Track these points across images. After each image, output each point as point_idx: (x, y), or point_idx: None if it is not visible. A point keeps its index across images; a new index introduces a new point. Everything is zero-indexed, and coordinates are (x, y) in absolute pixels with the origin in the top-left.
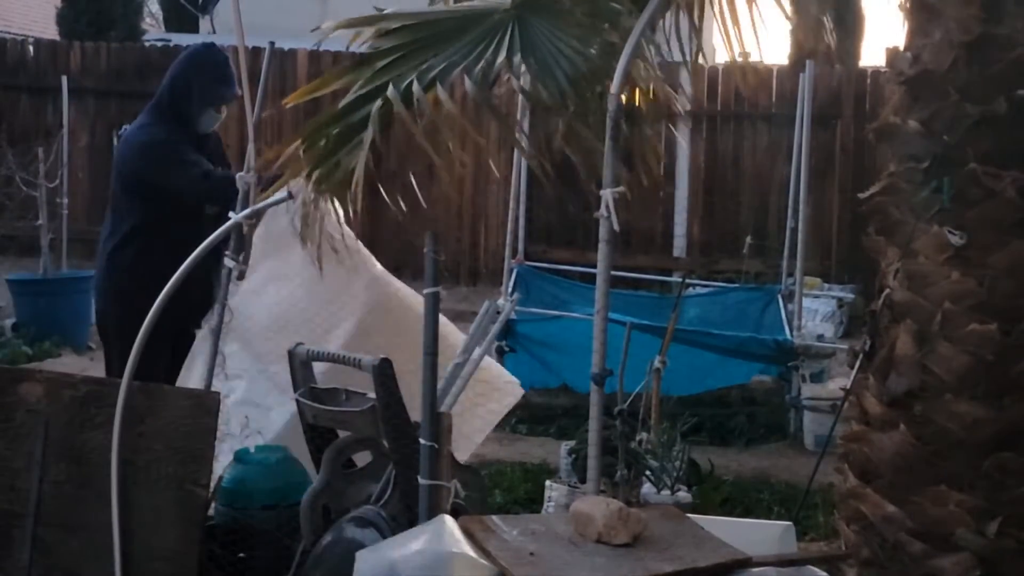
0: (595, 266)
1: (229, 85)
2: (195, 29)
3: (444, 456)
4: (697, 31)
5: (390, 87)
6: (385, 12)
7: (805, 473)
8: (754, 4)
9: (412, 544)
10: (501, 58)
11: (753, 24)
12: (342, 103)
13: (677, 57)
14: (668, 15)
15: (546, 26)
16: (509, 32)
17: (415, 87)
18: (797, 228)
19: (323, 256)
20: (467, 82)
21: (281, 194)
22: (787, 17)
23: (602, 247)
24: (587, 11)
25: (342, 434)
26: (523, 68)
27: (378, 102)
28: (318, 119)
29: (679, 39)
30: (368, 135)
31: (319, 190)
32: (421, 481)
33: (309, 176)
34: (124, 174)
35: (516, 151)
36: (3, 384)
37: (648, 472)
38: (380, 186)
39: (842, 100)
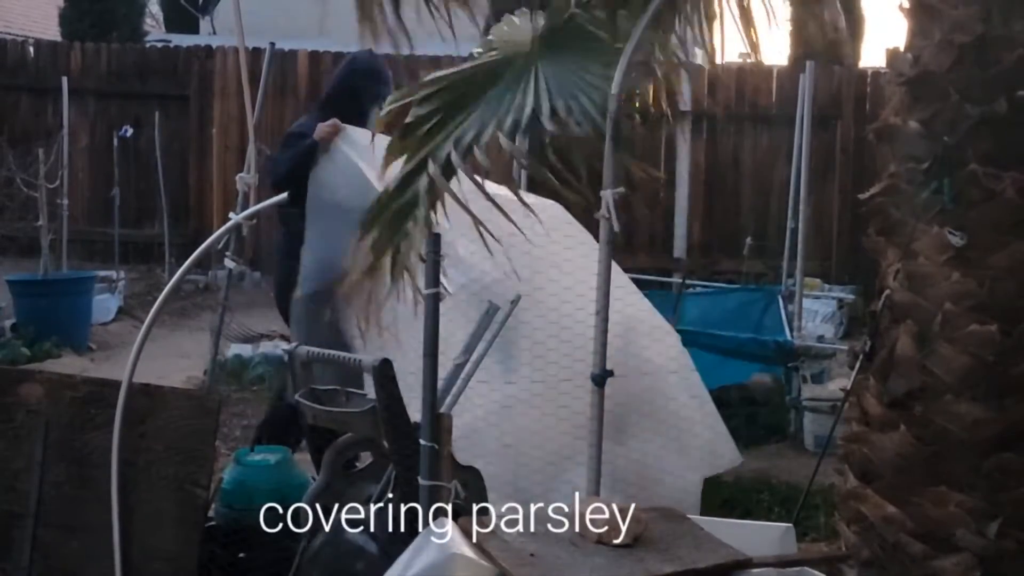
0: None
1: (387, 84)
2: (195, 30)
3: (444, 456)
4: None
5: (430, 163)
6: (424, 80)
7: (805, 474)
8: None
9: (412, 545)
10: (528, 105)
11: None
12: (393, 182)
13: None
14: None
15: (568, 59)
16: (534, 77)
17: (453, 157)
18: (797, 229)
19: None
20: (501, 138)
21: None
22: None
23: (602, 247)
24: (607, 34)
25: (342, 435)
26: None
27: (424, 180)
28: (375, 207)
29: (709, 39)
30: (421, 213)
31: (393, 271)
32: (421, 481)
33: (377, 258)
34: None
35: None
36: (4, 385)
37: None
38: None
39: (842, 101)
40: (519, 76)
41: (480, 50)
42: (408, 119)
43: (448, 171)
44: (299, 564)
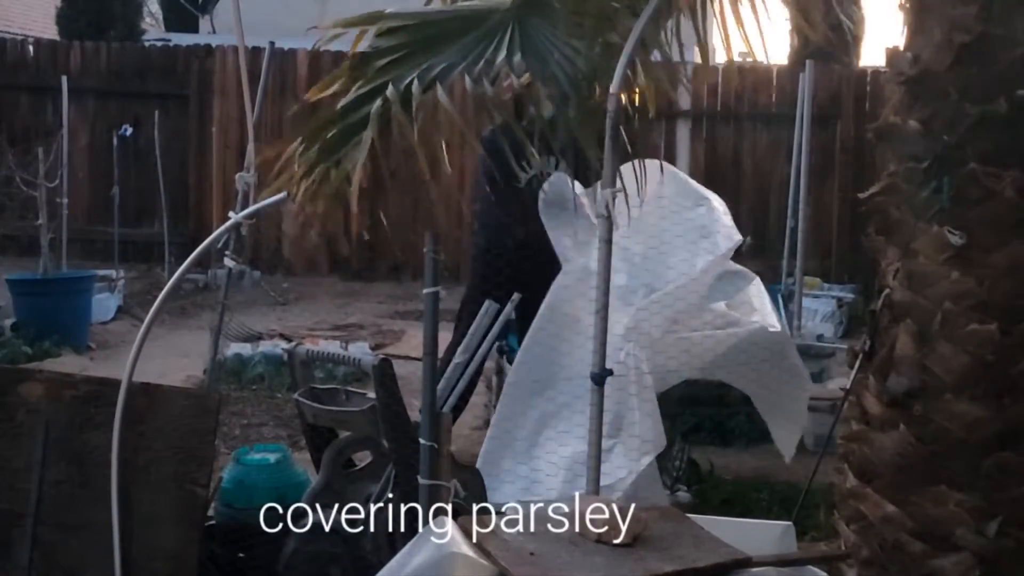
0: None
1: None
2: (195, 29)
3: (444, 456)
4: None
5: (390, 87)
6: (386, 12)
7: (805, 473)
8: (754, 3)
9: (412, 544)
10: (501, 57)
11: (754, 22)
12: (341, 103)
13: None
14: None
15: (546, 27)
16: (509, 33)
17: (415, 87)
18: (797, 228)
19: None
20: (467, 81)
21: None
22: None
23: (602, 247)
24: (586, 11)
25: (342, 434)
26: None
27: (377, 102)
28: (316, 121)
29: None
30: (367, 135)
31: (318, 192)
32: (421, 481)
33: (307, 176)
34: None
35: None
36: (4, 384)
37: None
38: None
39: (842, 100)
40: (492, 30)
41: None
42: (367, 49)
43: (407, 101)
44: (293, 563)
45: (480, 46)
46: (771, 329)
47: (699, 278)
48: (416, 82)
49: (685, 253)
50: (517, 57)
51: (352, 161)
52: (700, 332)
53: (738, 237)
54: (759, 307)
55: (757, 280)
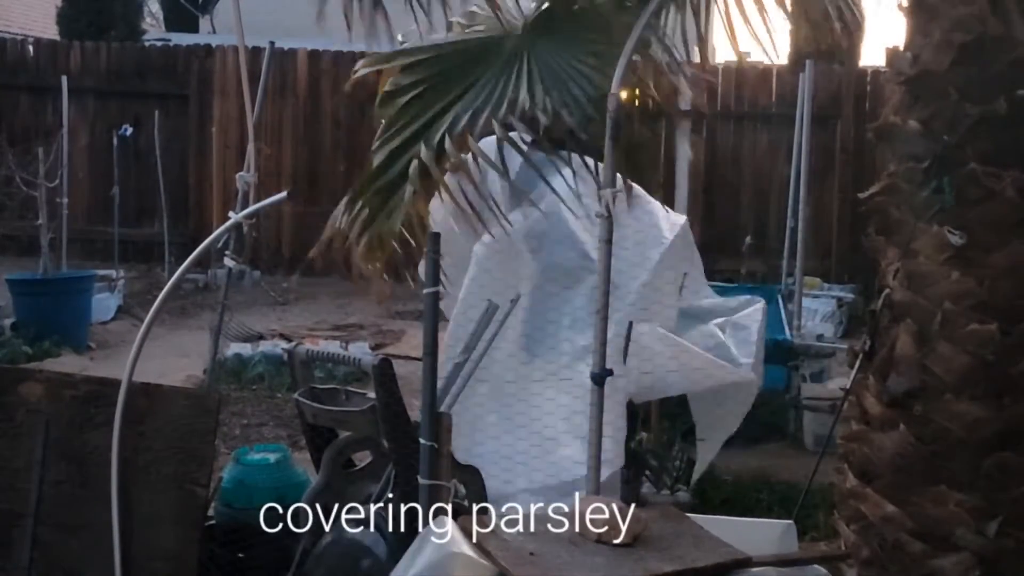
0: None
1: None
2: (195, 29)
3: (444, 456)
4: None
5: (423, 148)
6: (403, 47)
7: (805, 473)
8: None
9: (412, 544)
10: (523, 94)
11: (749, 22)
12: (375, 161)
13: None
14: (670, 14)
15: (559, 50)
16: (526, 62)
17: (447, 144)
18: (797, 228)
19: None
20: (496, 127)
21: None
22: (787, 13)
23: (601, 247)
24: (599, 28)
25: (342, 434)
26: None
27: (415, 164)
28: (360, 184)
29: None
30: (409, 193)
31: (375, 250)
32: (421, 481)
33: (360, 235)
34: None
35: None
36: (4, 384)
37: (648, 472)
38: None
39: (842, 100)
40: (510, 61)
41: (462, 20)
42: (388, 87)
43: (441, 156)
44: (305, 563)
45: (500, 83)
46: (755, 383)
47: (659, 271)
48: (447, 138)
49: (634, 247)
50: (539, 88)
51: (400, 216)
52: (701, 349)
53: (675, 217)
54: (749, 344)
55: (761, 307)
